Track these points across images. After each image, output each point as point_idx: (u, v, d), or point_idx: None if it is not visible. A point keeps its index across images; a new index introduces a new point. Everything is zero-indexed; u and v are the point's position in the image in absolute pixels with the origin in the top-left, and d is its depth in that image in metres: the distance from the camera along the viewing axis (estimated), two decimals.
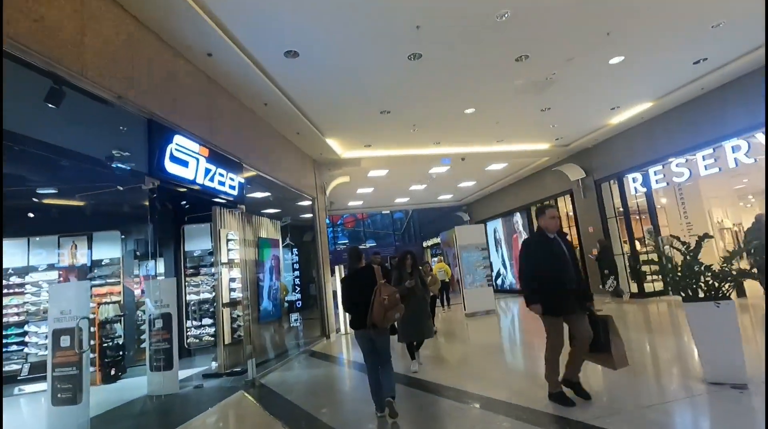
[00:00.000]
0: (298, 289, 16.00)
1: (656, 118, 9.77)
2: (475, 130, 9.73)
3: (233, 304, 7.22)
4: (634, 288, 10.94)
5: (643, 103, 9.16)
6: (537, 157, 12.73)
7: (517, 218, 16.31)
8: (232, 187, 5.94)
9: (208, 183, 5.32)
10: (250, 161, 6.79)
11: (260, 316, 7.91)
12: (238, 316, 7.14)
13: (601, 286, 11.18)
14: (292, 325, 9.72)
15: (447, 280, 16.34)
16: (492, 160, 12.46)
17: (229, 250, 7.14)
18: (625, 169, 10.78)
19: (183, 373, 6.88)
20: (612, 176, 11.35)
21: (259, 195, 9.05)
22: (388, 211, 19.08)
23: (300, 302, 15.64)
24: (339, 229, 32.92)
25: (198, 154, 5.15)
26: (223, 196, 5.76)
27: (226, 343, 6.85)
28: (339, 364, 7.08)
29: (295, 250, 15.49)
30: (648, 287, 10.75)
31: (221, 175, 5.64)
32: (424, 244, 26.97)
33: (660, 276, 10.63)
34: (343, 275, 9.99)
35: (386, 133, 9.37)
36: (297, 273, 15.93)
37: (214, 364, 6.95)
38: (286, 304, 10.78)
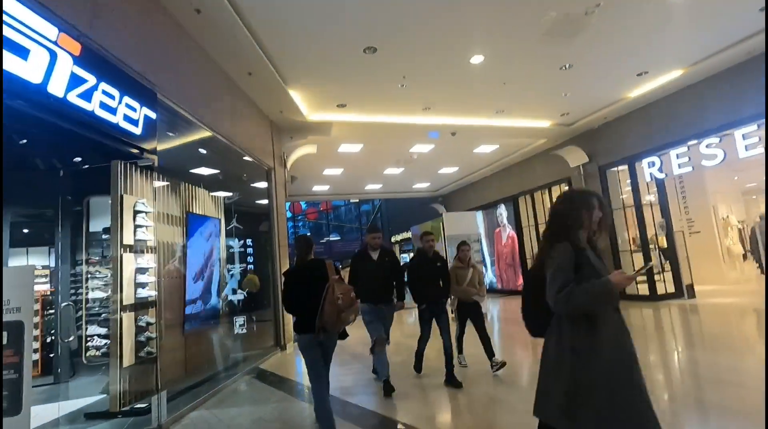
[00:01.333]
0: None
1: (680, 93, 8.32)
2: (476, 92, 7.88)
3: (143, 306, 4.95)
4: (644, 290, 9.53)
5: (673, 70, 7.65)
6: (534, 138, 11.13)
7: (502, 210, 14.73)
8: (132, 121, 3.70)
9: (76, 100, 3.08)
10: (171, 94, 4.54)
11: (188, 322, 5.69)
12: (149, 324, 4.88)
13: None
14: (237, 332, 7.52)
15: None
16: (485, 138, 10.72)
17: (137, 227, 4.86)
18: (641, 152, 9.31)
19: (50, 411, 4.57)
20: (621, 161, 9.89)
21: (206, 171, 6.75)
22: (357, 200, 17.05)
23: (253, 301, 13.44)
24: (300, 221, 30.56)
25: (56, 44, 2.90)
26: (113, 133, 3.52)
27: (126, 364, 4.58)
28: (296, 395, 4.97)
29: (249, 240, 13.26)
30: (659, 288, 9.38)
31: (108, 95, 3.40)
32: (393, 240, 25.14)
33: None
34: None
35: (367, 87, 7.32)
36: (251, 266, 13.71)
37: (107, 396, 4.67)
38: (234, 301, 8.54)
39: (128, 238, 4.73)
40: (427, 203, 18.95)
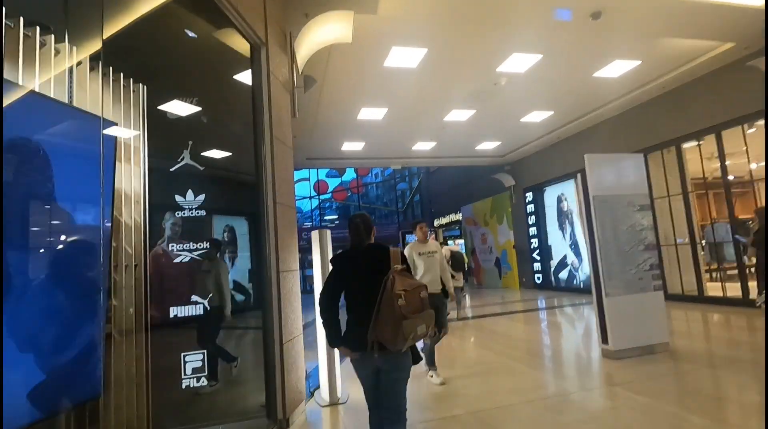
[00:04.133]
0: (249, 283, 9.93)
1: None
2: None
3: None
4: None
5: None
6: (717, 41, 6.60)
7: None
8: None
9: None
10: None
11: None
12: None
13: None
14: (188, 384, 3.60)
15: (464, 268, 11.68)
16: (638, 33, 6.30)
17: None
18: None
19: None
20: None
21: None
22: (399, 167, 12.97)
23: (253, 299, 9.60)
24: (326, 204, 26.85)
25: None
26: None
27: None
28: None
29: (245, 218, 9.42)
30: None
31: None
32: (436, 223, 20.94)
33: None
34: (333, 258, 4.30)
35: None
36: (247, 252, 9.84)
37: None
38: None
39: None
40: (485, 175, 14.62)
